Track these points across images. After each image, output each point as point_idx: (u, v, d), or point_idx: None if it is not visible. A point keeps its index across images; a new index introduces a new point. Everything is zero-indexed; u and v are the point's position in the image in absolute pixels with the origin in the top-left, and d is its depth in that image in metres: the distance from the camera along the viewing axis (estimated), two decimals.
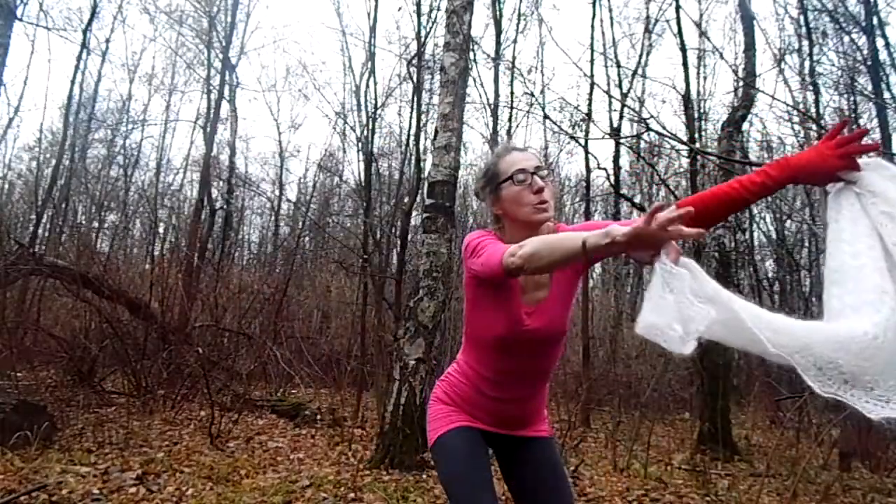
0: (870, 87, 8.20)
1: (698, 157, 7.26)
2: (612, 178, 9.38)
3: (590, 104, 9.37)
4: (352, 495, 3.25)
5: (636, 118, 8.64)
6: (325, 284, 11.54)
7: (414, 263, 8.05)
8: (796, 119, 9.26)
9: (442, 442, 1.40)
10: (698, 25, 9.92)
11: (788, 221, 11.39)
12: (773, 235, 11.83)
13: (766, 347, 0.91)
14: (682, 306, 0.91)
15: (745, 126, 8.09)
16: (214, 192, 11.67)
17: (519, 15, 10.33)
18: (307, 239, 15.19)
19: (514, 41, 10.52)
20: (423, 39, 8.74)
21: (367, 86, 10.16)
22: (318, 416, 5.77)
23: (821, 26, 8.84)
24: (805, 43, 8.73)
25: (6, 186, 15.68)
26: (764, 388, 8.64)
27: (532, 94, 8.67)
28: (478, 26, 12.88)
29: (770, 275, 12.57)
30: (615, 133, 8.60)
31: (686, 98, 8.64)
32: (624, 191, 11.76)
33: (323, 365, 7.67)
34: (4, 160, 15.65)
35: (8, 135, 13.05)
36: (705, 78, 12.24)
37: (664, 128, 4.21)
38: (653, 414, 6.54)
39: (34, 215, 10.78)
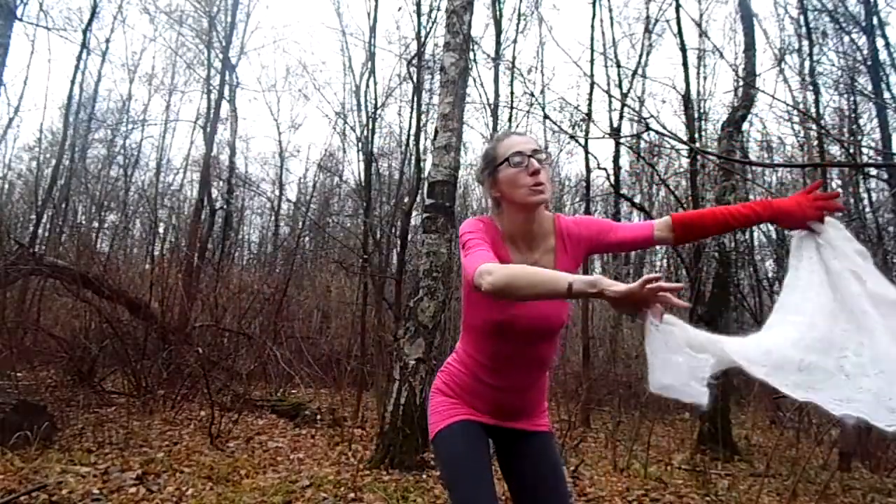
0: (870, 87, 8.19)
1: (698, 156, 7.26)
2: (612, 178, 9.38)
3: (590, 104, 9.36)
4: (352, 495, 3.24)
5: (636, 118, 8.64)
6: (325, 284, 11.54)
7: (414, 263, 8.06)
8: (796, 119, 9.25)
9: (443, 436, 1.40)
10: (698, 25, 9.92)
11: None
12: (773, 235, 11.82)
13: (753, 374, 1.04)
14: (689, 363, 1.03)
15: (745, 126, 8.09)
16: (214, 192, 11.67)
17: (519, 15, 10.32)
18: (307, 239, 15.19)
19: (514, 41, 10.51)
20: (423, 39, 8.74)
21: (367, 86, 10.16)
22: (318, 416, 5.77)
23: (821, 26, 8.83)
24: (805, 43, 8.71)
25: (6, 186, 15.69)
26: (764, 388, 8.62)
27: (532, 94, 8.65)
28: (478, 26, 12.89)
29: (770, 275, 12.55)
30: (615, 133, 8.60)
31: (686, 98, 8.63)
32: (624, 191, 11.75)
33: (323, 365, 7.67)
34: (4, 160, 15.66)
35: (8, 135, 13.06)
36: (705, 78, 12.24)
37: (664, 128, 4.21)
38: (653, 414, 6.54)
39: (34, 215, 10.78)
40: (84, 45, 11.17)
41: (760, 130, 11.65)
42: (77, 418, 4.74)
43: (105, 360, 6.38)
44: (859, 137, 8.74)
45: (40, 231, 10.59)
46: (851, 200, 9.93)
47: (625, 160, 12.03)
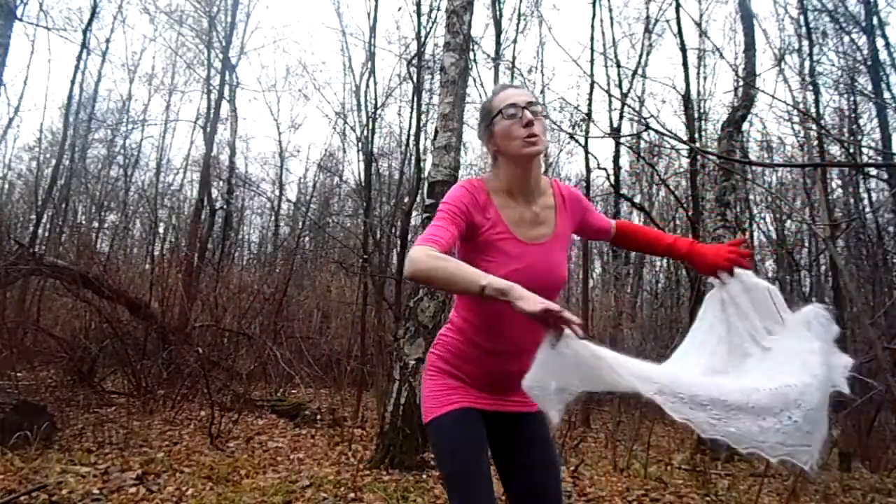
0: (870, 87, 8.20)
1: (698, 156, 7.27)
2: (612, 178, 9.39)
3: (590, 104, 9.37)
4: (352, 495, 3.24)
5: (636, 118, 8.64)
6: (325, 284, 11.54)
7: None
8: (796, 119, 9.26)
9: (439, 423, 1.37)
10: (698, 25, 9.93)
11: (788, 221, 11.39)
12: (773, 235, 11.82)
13: (642, 393, 1.10)
14: (560, 390, 1.12)
15: (745, 126, 8.09)
16: (214, 192, 11.67)
17: (519, 15, 10.33)
18: (307, 239, 15.19)
19: (514, 41, 10.52)
20: (423, 39, 8.75)
21: (367, 86, 10.16)
22: (318, 416, 5.77)
23: (821, 26, 8.85)
24: (805, 43, 8.72)
25: (6, 186, 15.69)
26: None
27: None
28: (478, 26, 12.89)
29: (770, 275, 12.55)
30: (615, 133, 8.61)
31: (686, 98, 8.64)
32: (624, 191, 11.76)
33: (323, 365, 7.67)
34: (4, 160, 15.67)
35: (8, 135, 13.07)
36: (705, 78, 12.25)
37: (664, 127, 4.21)
38: (653, 414, 6.52)
39: (34, 215, 10.78)
40: (84, 45, 11.18)
41: (760, 130, 11.67)
42: (77, 418, 4.74)
43: (105, 360, 6.38)
44: (859, 137, 8.74)
45: (40, 231, 10.60)
46: (851, 200, 9.95)
47: (625, 160, 12.06)
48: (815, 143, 8.25)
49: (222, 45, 11.81)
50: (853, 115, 9.33)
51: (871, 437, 4.92)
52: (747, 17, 6.33)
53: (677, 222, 11.77)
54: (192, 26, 12.50)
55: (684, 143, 6.56)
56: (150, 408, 5.35)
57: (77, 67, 11.28)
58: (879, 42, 7.96)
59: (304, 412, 5.82)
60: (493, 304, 1.32)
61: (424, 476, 3.66)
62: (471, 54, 5.19)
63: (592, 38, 9.71)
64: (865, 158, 8.36)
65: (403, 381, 3.98)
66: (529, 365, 1.41)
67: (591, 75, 8.69)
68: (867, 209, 9.10)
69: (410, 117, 9.52)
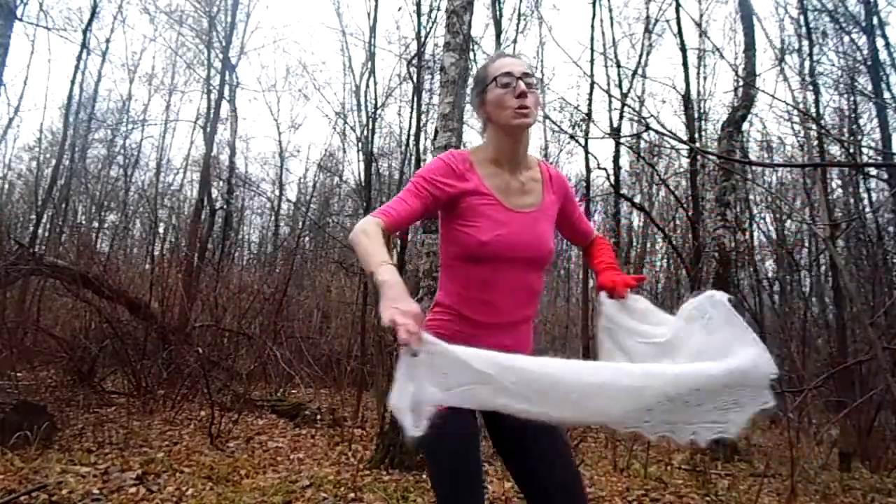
0: (870, 87, 8.20)
1: (698, 156, 7.27)
2: (612, 178, 9.38)
3: (590, 104, 9.38)
4: (352, 495, 3.24)
5: (636, 118, 8.64)
6: (325, 284, 11.54)
7: (414, 263, 8.05)
8: (796, 119, 9.27)
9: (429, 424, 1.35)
10: (698, 25, 9.93)
11: (788, 221, 11.39)
12: (773, 235, 11.82)
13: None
14: (417, 394, 1.05)
15: (745, 126, 8.10)
16: (214, 192, 11.67)
17: (519, 15, 10.31)
18: (307, 239, 15.19)
19: (514, 41, 10.50)
20: (423, 39, 8.74)
21: (367, 86, 10.16)
22: (318, 416, 5.77)
23: (821, 26, 8.85)
24: (805, 43, 8.73)
25: (6, 186, 15.69)
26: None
27: None
28: (478, 26, 12.91)
29: (770, 275, 12.55)
30: (615, 133, 8.60)
31: (686, 98, 8.65)
32: (624, 191, 11.75)
33: (323, 365, 7.67)
34: (4, 160, 15.67)
35: (8, 135, 13.07)
36: (705, 78, 12.24)
37: (664, 127, 4.21)
38: None
39: (34, 215, 10.78)
40: (84, 45, 11.17)
41: (760, 130, 11.67)
42: (77, 418, 4.74)
43: (105, 360, 6.37)
44: (859, 137, 8.75)
45: (40, 231, 10.60)
46: (851, 200, 9.94)
47: (625, 160, 12.05)
48: (815, 143, 8.25)
49: (222, 45, 11.81)
50: (853, 115, 9.32)
51: (871, 437, 4.91)
52: (747, 17, 6.33)
53: (677, 222, 11.77)
54: (192, 26, 12.51)
55: (684, 143, 6.57)
56: (150, 408, 5.35)
57: (77, 67, 11.28)
58: (879, 42, 7.96)
59: (304, 412, 5.82)
60: (481, 271, 1.33)
61: (424, 476, 3.66)
62: (471, 54, 5.19)
63: (592, 38, 9.72)
64: (865, 158, 8.37)
65: None
66: (524, 340, 1.40)
67: (591, 75, 8.70)
68: (867, 209, 9.10)
69: (410, 117, 9.52)
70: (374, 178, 10.85)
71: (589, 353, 7.40)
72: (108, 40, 13.31)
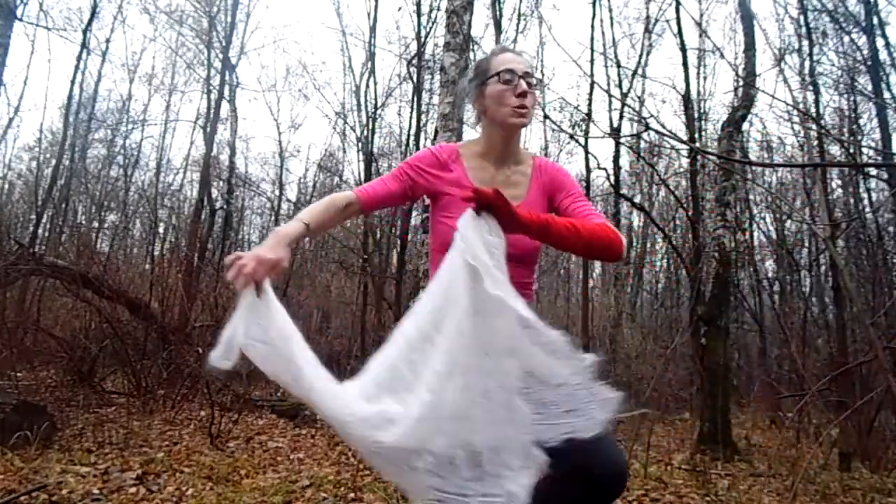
0: (870, 87, 8.20)
1: (698, 156, 7.27)
2: (612, 178, 9.38)
3: (590, 104, 9.38)
4: (352, 495, 3.24)
5: (636, 118, 8.65)
6: (325, 284, 11.55)
7: (414, 263, 8.06)
8: (796, 119, 9.27)
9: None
10: (698, 25, 9.93)
11: (788, 221, 11.39)
12: (773, 235, 11.82)
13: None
14: (241, 326, 1.11)
15: (745, 126, 8.10)
16: (214, 192, 11.67)
17: (519, 15, 10.32)
18: (307, 239, 15.16)
19: (514, 41, 10.51)
20: (423, 39, 8.76)
21: (367, 86, 10.18)
22: (319, 416, 5.77)
23: (821, 26, 8.84)
24: (805, 43, 8.72)
25: (6, 186, 15.69)
26: (764, 388, 8.64)
27: None
28: (478, 26, 12.88)
29: (770, 275, 12.56)
30: (615, 133, 8.61)
31: (686, 98, 8.65)
32: (624, 191, 11.76)
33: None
34: (4, 160, 15.67)
35: (8, 135, 13.07)
36: (705, 78, 12.26)
37: (664, 127, 4.22)
38: (653, 414, 6.53)
39: (34, 215, 10.78)
40: (84, 45, 11.17)
41: (760, 130, 11.68)
42: (77, 418, 4.73)
43: (105, 360, 6.37)
44: (859, 137, 8.75)
45: (40, 231, 10.60)
46: (851, 200, 9.95)
47: (625, 160, 12.07)
48: (815, 143, 8.25)
49: (222, 45, 11.81)
50: (853, 115, 9.32)
51: (871, 437, 4.91)
52: (747, 17, 6.33)
53: (677, 222, 11.77)
54: (192, 26, 12.51)
55: (684, 143, 6.57)
56: (150, 408, 5.35)
57: (77, 67, 11.29)
58: (879, 42, 7.96)
59: (304, 412, 5.81)
60: None
61: None
62: (471, 54, 5.18)
63: (592, 38, 9.73)
64: (865, 158, 8.36)
65: None
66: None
67: (591, 75, 8.70)
68: (867, 209, 9.10)
69: (410, 117, 9.53)
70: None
71: (588, 352, 7.37)
72: (108, 40, 13.31)
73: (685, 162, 9.54)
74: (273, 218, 16.07)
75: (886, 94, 7.69)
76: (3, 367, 5.36)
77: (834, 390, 5.38)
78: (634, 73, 10.57)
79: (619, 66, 9.98)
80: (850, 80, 8.84)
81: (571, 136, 9.18)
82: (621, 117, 9.67)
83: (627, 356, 8.95)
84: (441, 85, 4.56)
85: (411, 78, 8.97)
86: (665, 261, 13.75)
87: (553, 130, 11.73)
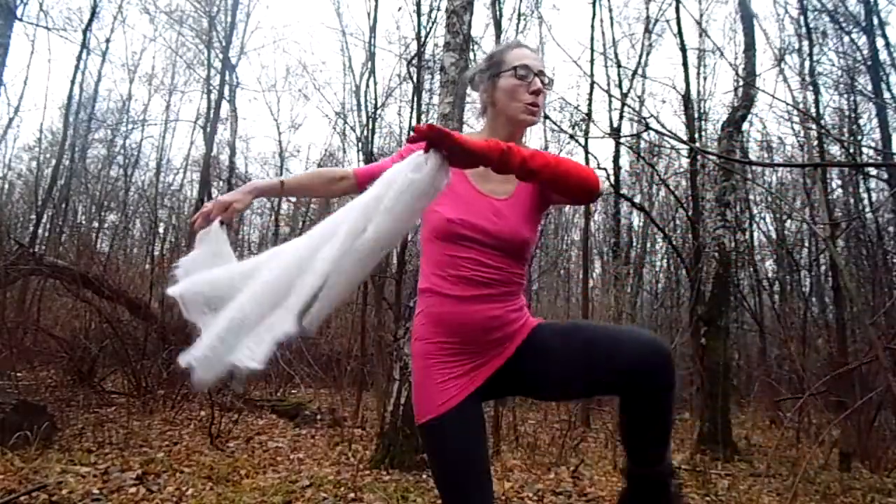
0: (870, 87, 8.20)
1: (698, 156, 7.27)
2: (611, 178, 9.36)
3: (590, 104, 9.37)
4: (352, 495, 3.24)
5: (636, 118, 8.65)
6: None
7: (414, 263, 8.05)
8: (796, 119, 9.26)
9: (433, 427, 1.27)
10: (699, 24, 9.93)
11: (788, 221, 11.39)
12: (773, 235, 11.82)
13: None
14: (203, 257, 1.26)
15: (745, 126, 8.09)
16: (214, 192, 11.67)
17: (519, 15, 10.31)
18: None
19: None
20: (423, 39, 8.73)
21: (367, 86, 10.16)
22: (318, 416, 5.77)
23: (821, 26, 8.84)
24: (805, 43, 8.72)
25: (6, 186, 15.67)
26: (764, 388, 8.63)
27: None
28: (478, 26, 12.91)
29: (770, 275, 12.56)
30: (615, 133, 8.60)
31: (686, 98, 8.64)
32: (624, 191, 11.75)
33: (323, 365, 7.67)
34: (4, 160, 15.64)
35: (8, 135, 13.05)
36: (705, 78, 12.23)
37: (664, 127, 4.21)
38: None
39: (34, 215, 10.77)
40: (84, 45, 11.17)
41: (760, 130, 11.67)
42: (77, 418, 4.74)
43: (105, 360, 6.37)
44: (859, 137, 8.75)
45: (40, 231, 10.59)
46: (851, 200, 9.95)
47: (625, 160, 12.06)
48: (815, 143, 8.25)
49: (222, 45, 11.81)
50: (853, 115, 9.33)
51: (871, 437, 4.91)
52: (747, 18, 6.33)
53: (677, 222, 11.77)
54: (192, 26, 12.52)
55: (684, 143, 6.57)
56: (150, 408, 5.35)
57: (77, 67, 11.27)
58: (879, 42, 7.96)
59: (304, 412, 5.82)
60: (452, 248, 1.29)
61: (424, 476, 3.66)
62: (471, 54, 5.18)
63: (592, 38, 9.71)
64: (865, 158, 8.37)
65: (403, 381, 3.98)
66: (512, 307, 1.33)
67: (591, 75, 8.69)
68: (867, 209, 9.10)
69: (410, 117, 9.51)
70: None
71: None
72: (108, 40, 13.28)
73: (685, 162, 9.54)
74: (273, 218, 16.08)
75: (886, 94, 7.69)
76: (3, 367, 5.36)
77: (834, 390, 5.38)
78: (634, 73, 10.56)
79: (619, 66, 9.98)
80: (850, 80, 8.84)
81: (571, 136, 9.16)
82: (621, 117, 9.66)
83: None
84: (441, 85, 4.55)
85: (411, 78, 8.96)
86: (665, 261, 13.73)
87: (553, 130, 11.72)
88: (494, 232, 1.29)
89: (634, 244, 13.96)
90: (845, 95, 9.38)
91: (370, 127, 9.69)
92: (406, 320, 4.14)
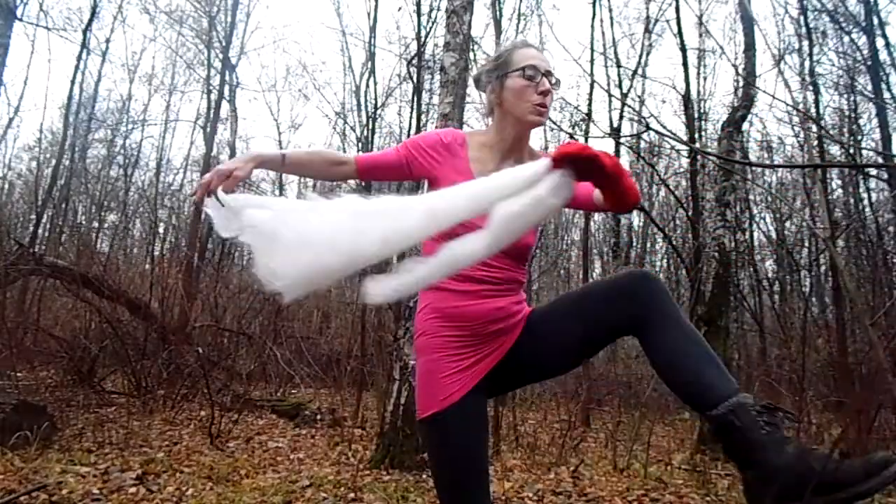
0: (870, 87, 8.20)
1: (698, 156, 7.27)
2: None
3: (590, 104, 9.38)
4: (352, 495, 3.24)
5: (636, 118, 8.65)
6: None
7: None
8: (796, 119, 9.26)
9: (435, 421, 1.28)
10: (700, 21, 9.92)
11: (788, 221, 11.39)
12: (773, 235, 11.82)
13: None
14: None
15: (745, 126, 8.09)
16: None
17: (519, 15, 10.32)
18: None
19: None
20: (423, 39, 8.75)
21: (367, 86, 10.19)
22: (318, 416, 5.77)
23: (821, 26, 8.85)
24: (805, 43, 8.72)
25: (6, 186, 15.68)
26: (764, 388, 8.63)
27: None
28: (478, 26, 12.90)
29: (770, 275, 12.55)
30: (615, 133, 8.61)
31: (686, 98, 8.64)
32: None
33: (323, 365, 7.67)
34: (4, 160, 15.66)
35: (8, 135, 13.07)
36: (705, 78, 12.24)
37: (664, 127, 4.22)
38: (653, 414, 6.53)
39: (34, 215, 10.77)
40: (84, 45, 11.18)
41: (760, 130, 11.67)
42: (77, 418, 4.73)
43: (105, 360, 6.37)
44: (859, 137, 8.75)
45: (40, 231, 10.59)
46: (851, 200, 9.95)
47: (625, 160, 12.05)
48: (815, 143, 8.25)
49: (222, 45, 11.82)
50: (853, 115, 9.33)
51: (871, 437, 4.91)
52: (747, 18, 6.33)
53: (677, 222, 11.77)
54: (192, 26, 12.53)
55: (684, 143, 6.57)
56: (150, 408, 5.35)
57: (77, 67, 11.29)
58: (879, 42, 7.97)
59: (304, 412, 5.82)
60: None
61: (424, 476, 3.66)
62: (471, 54, 5.18)
63: (592, 38, 9.74)
64: (865, 158, 8.37)
65: (403, 381, 3.98)
66: (514, 300, 1.35)
67: (591, 75, 8.71)
68: (867, 209, 9.11)
69: (410, 117, 9.53)
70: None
71: None
72: (108, 40, 13.30)
73: (685, 162, 9.54)
74: None
75: (886, 94, 7.69)
76: (3, 367, 5.36)
77: (834, 390, 5.38)
78: (634, 73, 10.58)
79: (619, 66, 9.99)
80: (850, 80, 8.84)
81: (571, 136, 9.17)
82: (621, 117, 9.68)
83: (627, 356, 8.95)
84: (441, 85, 4.55)
85: (411, 78, 8.97)
86: (665, 261, 13.75)
87: (552, 130, 11.72)
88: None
89: (634, 244, 13.98)
90: (845, 96, 9.39)
91: (370, 127, 9.72)
92: (406, 320, 4.14)
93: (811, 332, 8.72)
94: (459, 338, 1.31)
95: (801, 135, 9.63)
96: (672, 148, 10.18)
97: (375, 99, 9.84)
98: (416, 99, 9.03)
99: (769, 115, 14.64)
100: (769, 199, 11.07)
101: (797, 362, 6.59)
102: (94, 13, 10.97)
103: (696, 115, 9.95)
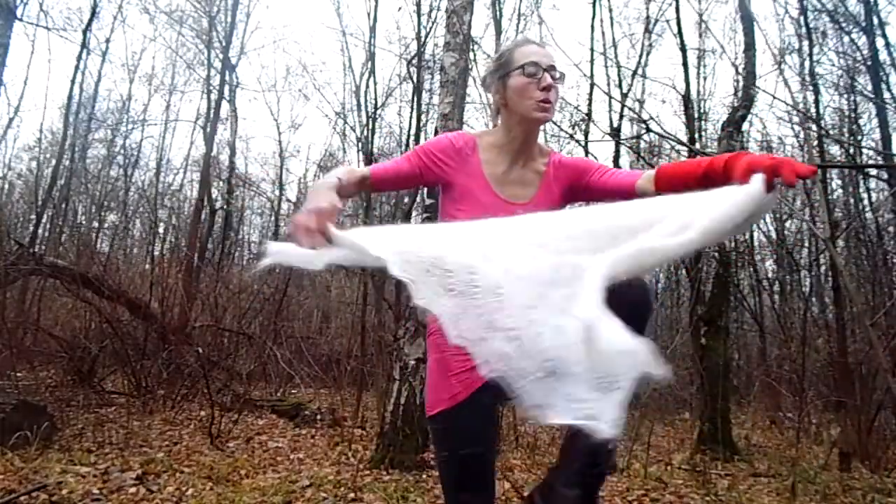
0: (870, 87, 8.20)
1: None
2: None
3: (590, 104, 9.38)
4: (352, 495, 3.24)
5: (636, 118, 8.65)
6: (325, 284, 11.53)
7: None
8: (796, 119, 9.26)
9: (444, 417, 1.28)
10: (700, 17, 9.92)
11: (788, 221, 11.39)
12: (773, 235, 11.82)
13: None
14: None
15: (745, 126, 8.09)
16: (214, 192, 11.67)
17: (519, 15, 10.32)
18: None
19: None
20: (423, 39, 8.75)
21: (367, 86, 10.15)
22: (318, 416, 5.77)
23: (821, 26, 8.85)
24: (805, 43, 8.72)
25: (6, 186, 15.67)
26: (764, 388, 8.63)
27: None
28: (478, 26, 12.88)
29: (770, 275, 12.55)
30: (615, 133, 8.61)
31: (686, 98, 8.64)
32: None
33: (323, 365, 7.67)
34: (4, 160, 15.64)
35: (8, 135, 13.05)
36: (705, 78, 12.23)
37: (664, 128, 4.22)
38: (652, 414, 6.53)
39: (34, 215, 10.78)
40: (84, 45, 11.17)
41: (760, 130, 11.66)
42: (77, 418, 4.74)
43: (105, 360, 6.37)
44: (859, 137, 8.75)
45: (40, 231, 10.59)
46: (851, 200, 9.95)
47: (625, 160, 12.03)
48: (815, 143, 8.25)
49: (222, 45, 11.81)
50: (853, 115, 9.33)
51: (871, 437, 4.91)
52: (747, 18, 6.33)
53: None
54: (192, 26, 12.50)
55: (684, 144, 6.56)
56: (150, 408, 5.35)
57: (77, 67, 11.28)
58: (879, 42, 7.96)
59: (304, 412, 5.82)
60: None
61: (424, 476, 3.66)
62: (471, 54, 5.19)
63: (592, 39, 9.73)
64: (865, 158, 8.37)
65: (403, 381, 3.97)
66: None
67: (591, 76, 8.71)
68: (867, 209, 9.10)
69: (410, 117, 9.53)
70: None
71: None
72: (108, 40, 13.26)
73: None
74: (273, 218, 16.08)
75: (886, 94, 7.69)
76: (3, 367, 5.36)
77: (834, 390, 5.38)
78: (634, 73, 10.57)
79: (619, 66, 9.99)
80: (850, 81, 8.84)
81: (571, 137, 9.17)
82: (621, 118, 9.67)
83: None
84: (441, 85, 4.55)
85: (411, 78, 8.96)
86: None
87: (553, 130, 11.72)
88: None
89: None
90: (845, 96, 9.39)
91: (370, 127, 9.70)
92: (406, 320, 4.14)
93: (811, 332, 8.73)
94: None
95: (801, 135, 9.63)
96: (672, 148, 10.18)
97: (375, 99, 9.83)
98: (416, 99, 9.03)
99: (769, 115, 14.62)
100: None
101: (797, 362, 6.60)
102: (94, 13, 10.97)
103: (696, 115, 9.95)
